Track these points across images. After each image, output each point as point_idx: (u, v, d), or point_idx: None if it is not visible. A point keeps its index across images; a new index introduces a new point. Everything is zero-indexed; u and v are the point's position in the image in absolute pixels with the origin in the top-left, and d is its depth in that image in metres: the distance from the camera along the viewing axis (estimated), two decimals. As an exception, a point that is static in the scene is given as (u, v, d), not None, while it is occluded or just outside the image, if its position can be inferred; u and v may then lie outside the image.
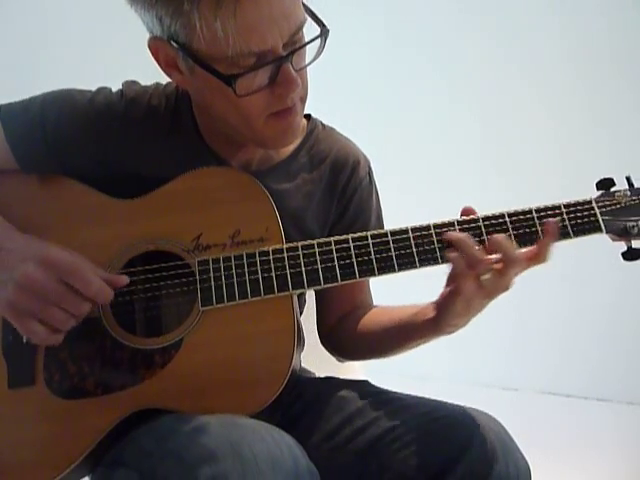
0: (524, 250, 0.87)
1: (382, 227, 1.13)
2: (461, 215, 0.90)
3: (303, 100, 0.93)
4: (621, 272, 2.18)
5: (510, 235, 0.89)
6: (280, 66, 0.84)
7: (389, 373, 1.61)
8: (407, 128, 2.77)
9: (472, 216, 0.89)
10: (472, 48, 2.64)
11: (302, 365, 1.17)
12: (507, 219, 0.89)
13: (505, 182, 2.24)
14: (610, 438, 2.20)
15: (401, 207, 1.27)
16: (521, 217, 0.89)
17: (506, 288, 0.86)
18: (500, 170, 2.53)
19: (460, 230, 0.89)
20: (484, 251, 0.85)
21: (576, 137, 2.45)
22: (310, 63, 0.90)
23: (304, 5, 0.87)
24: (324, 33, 0.87)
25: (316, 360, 1.17)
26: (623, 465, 2.06)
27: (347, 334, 1.09)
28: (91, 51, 1.82)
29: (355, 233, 0.94)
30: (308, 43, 0.87)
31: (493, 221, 0.89)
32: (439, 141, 2.72)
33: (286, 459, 0.76)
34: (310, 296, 1.16)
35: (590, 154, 2.30)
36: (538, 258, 0.86)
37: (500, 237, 0.85)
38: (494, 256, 0.85)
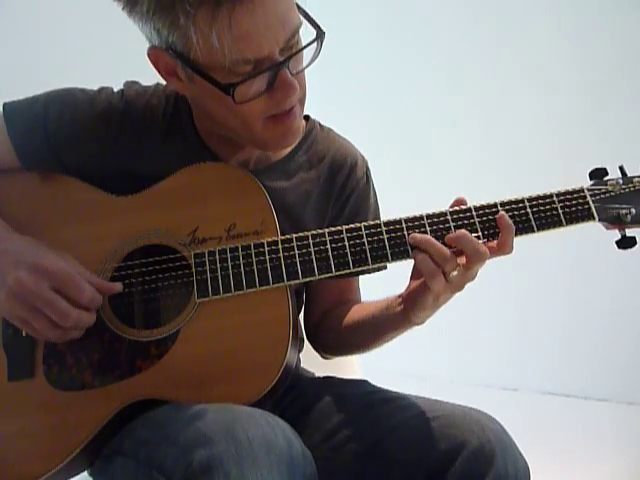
0: (486, 243, 0.88)
1: None
2: (452, 205, 0.91)
3: (302, 102, 0.94)
4: (621, 272, 2.20)
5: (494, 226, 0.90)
6: (277, 72, 0.85)
7: (389, 373, 1.61)
8: (407, 127, 2.77)
9: (463, 206, 0.90)
10: (471, 45, 2.64)
11: (302, 365, 1.18)
12: (499, 208, 0.90)
13: (504, 179, 2.24)
14: (610, 438, 2.19)
15: (400, 205, 1.27)
16: (513, 206, 0.90)
17: (472, 279, 0.88)
18: (499, 168, 2.53)
19: (452, 220, 0.90)
20: (448, 249, 0.85)
21: (573, 130, 2.46)
22: (307, 66, 0.90)
23: (299, 8, 0.88)
24: (320, 36, 0.88)
25: (316, 360, 1.17)
26: (623, 465, 2.05)
27: (330, 330, 1.10)
28: (92, 52, 1.83)
29: None
30: (304, 47, 0.87)
31: (483, 211, 0.90)
32: (439, 140, 2.72)
33: (280, 443, 0.77)
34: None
35: (587, 146, 2.30)
36: (502, 250, 0.87)
37: (461, 233, 0.86)
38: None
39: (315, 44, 0.88)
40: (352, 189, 1.10)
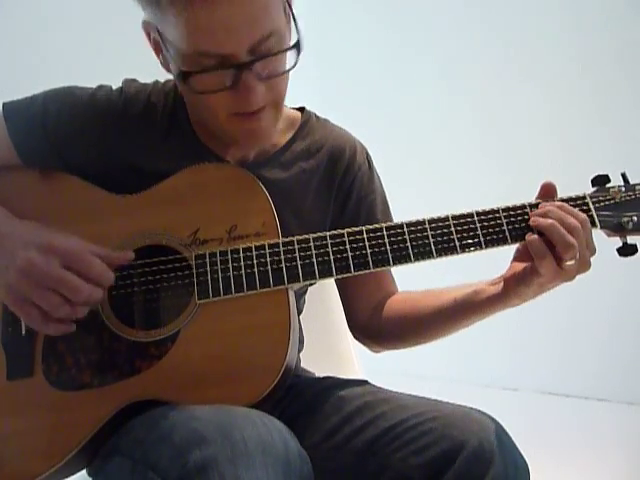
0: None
1: (388, 210, 1.14)
2: (541, 190, 0.93)
3: (276, 105, 0.94)
4: (622, 272, 2.19)
5: (504, 229, 0.91)
6: (241, 72, 0.85)
7: (389, 373, 1.60)
8: (409, 126, 2.77)
9: (467, 211, 0.91)
10: (473, 45, 2.63)
11: (302, 365, 1.18)
12: (501, 214, 0.91)
13: (505, 185, 2.24)
14: (610, 438, 2.20)
15: (402, 203, 1.27)
16: (517, 212, 0.91)
17: (585, 270, 0.90)
18: (500, 173, 2.53)
19: (454, 225, 0.90)
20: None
21: (575, 134, 2.46)
22: (285, 72, 0.90)
23: (290, 8, 0.88)
24: (296, 45, 0.87)
25: (316, 360, 1.17)
26: (623, 465, 2.05)
27: (388, 322, 1.10)
28: (90, 51, 1.83)
29: (362, 218, 1.00)
30: (276, 53, 0.87)
31: (483, 217, 0.91)
32: (441, 139, 2.72)
33: (276, 443, 0.77)
34: (310, 293, 1.17)
35: (589, 151, 2.30)
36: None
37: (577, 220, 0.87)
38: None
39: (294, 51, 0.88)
40: (354, 175, 1.10)
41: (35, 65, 1.70)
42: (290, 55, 0.89)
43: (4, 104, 1.00)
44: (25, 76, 1.48)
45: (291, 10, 0.89)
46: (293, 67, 0.89)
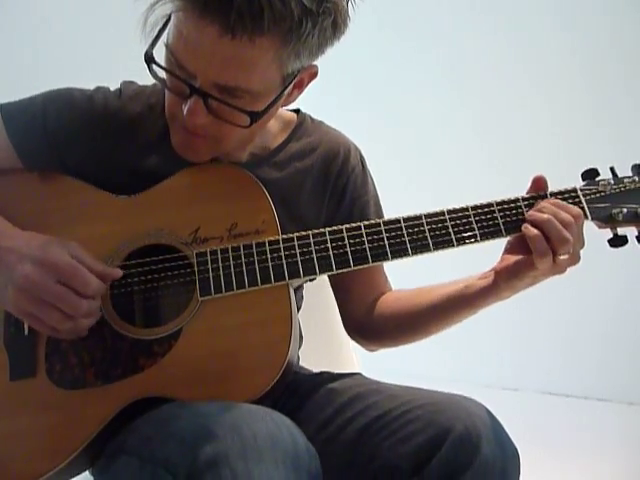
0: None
1: (380, 212, 1.15)
2: (533, 184, 0.95)
3: (217, 142, 0.95)
4: (621, 272, 2.20)
5: (499, 222, 0.93)
6: (190, 93, 0.87)
7: (388, 372, 1.60)
8: (408, 125, 2.78)
9: (463, 205, 0.92)
10: (474, 46, 2.65)
11: (300, 362, 1.18)
12: (495, 207, 0.93)
13: (499, 179, 2.25)
14: (610, 438, 2.20)
15: (402, 202, 1.28)
16: (509, 205, 0.93)
17: (575, 263, 0.91)
18: (494, 167, 2.55)
19: (450, 219, 0.93)
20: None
21: (571, 133, 2.48)
22: (234, 124, 0.90)
23: (290, 82, 0.91)
24: (251, 114, 0.88)
25: (315, 357, 1.18)
26: (623, 465, 2.05)
27: (382, 320, 1.11)
28: (89, 53, 1.83)
29: (355, 219, 0.99)
30: (228, 104, 0.87)
31: (479, 210, 0.93)
32: (440, 139, 2.73)
33: (285, 438, 0.78)
34: (308, 291, 1.18)
35: (585, 150, 2.32)
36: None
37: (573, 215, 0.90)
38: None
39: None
40: (348, 176, 1.11)
41: (32, 66, 1.71)
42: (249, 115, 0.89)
43: (1, 105, 1.00)
44: (22, 77, 1.48)
45: (294, 85, 0.93)
46: (242, 127, 0.90)
